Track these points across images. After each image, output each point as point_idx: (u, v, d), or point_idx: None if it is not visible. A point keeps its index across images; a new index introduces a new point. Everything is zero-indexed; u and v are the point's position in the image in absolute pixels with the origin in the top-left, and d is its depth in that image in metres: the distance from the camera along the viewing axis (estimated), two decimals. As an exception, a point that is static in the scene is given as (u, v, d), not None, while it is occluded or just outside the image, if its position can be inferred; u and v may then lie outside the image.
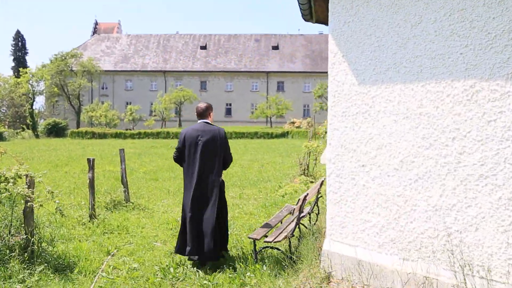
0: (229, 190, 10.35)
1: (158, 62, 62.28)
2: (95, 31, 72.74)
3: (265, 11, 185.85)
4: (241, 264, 5.23)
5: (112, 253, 5.98)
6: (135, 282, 4.95)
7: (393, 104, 4.03)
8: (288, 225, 5.73)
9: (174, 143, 30.09)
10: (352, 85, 4.34)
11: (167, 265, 5.38)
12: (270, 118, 49.26)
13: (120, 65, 62.05)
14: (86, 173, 9.42)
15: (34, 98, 48.12)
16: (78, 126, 48.87)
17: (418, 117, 3.86)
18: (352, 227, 4.37)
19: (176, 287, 4.83)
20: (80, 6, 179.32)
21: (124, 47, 64.69)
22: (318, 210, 6.78)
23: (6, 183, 5.20)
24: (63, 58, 51.19)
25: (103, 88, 61.50)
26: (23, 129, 43.92)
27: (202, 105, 5.47)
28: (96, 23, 74.54)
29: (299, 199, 5.17)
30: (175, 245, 6.18)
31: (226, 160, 5.39)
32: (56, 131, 43.55)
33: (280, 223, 6.06)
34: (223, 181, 5.49)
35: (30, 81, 48.28)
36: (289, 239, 5.25)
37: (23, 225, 5.31)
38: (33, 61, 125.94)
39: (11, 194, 5.24)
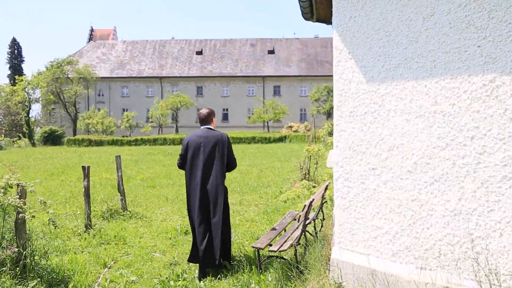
0: (229, 196, 10.00)
1: (154, 68, 62.03)
2: (90, 38, 72.50)
3: (260, 15, 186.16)
4: (244, 274, 4.96)
5: (109, 265, 5.71)
6: (133, 296, 4.68)
7: (405, 102, 3.79)
8: (293, 232, 5.47)
9: (171, 149, 29.86)
10: (359, 83, 4.09)
11: (167, 278, 5.11)
12: (267, 122, 49.01)
13: (116, 72, 61.77)
14: (82, 181, 9.15)
15: (30, 106, 47.69)
16: (74, 134, 48.50)
17: (432, 116, 3.62)
18: (362, 235, 4.11)
19: (177, 301, 4.57)
20: (76, 13, 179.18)
21: (120, 54, 64.44)
22: (323, 215, 6.51)
23: (-5, 194, 4.92)
24: (59, 65, 50.85)
25: (99, 95, 61.17)
26: (20, 138, 43.52)
27: (204, 111, 5.46)
28: (92, 30, 74.33)
29: (304, 205, 4.90)
30: (174, 255, 5.96)
31: (230, 165, 5.37)
32: (52, 139, 43.12)
33: (284, 230, 5.79)
34: (226, 188, 5.39)
35: (26, 89, 47.85)
36: (295, 247, 4.98)
37: (15, 237, 5.03)
38: (29, 68, 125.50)
39: (1, 204, 4.97)
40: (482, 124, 3.32)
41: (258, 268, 4.95)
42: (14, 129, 50.44)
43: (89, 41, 70.64)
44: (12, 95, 48.11)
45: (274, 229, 5.60)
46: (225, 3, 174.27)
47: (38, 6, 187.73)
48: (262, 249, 4.89)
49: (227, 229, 5.36)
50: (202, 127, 5.40)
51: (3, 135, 44.23)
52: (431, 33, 3.60)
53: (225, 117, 59.62)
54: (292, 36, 70.08)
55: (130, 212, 8.44)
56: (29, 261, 4.98)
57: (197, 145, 5.24)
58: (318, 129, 22.64)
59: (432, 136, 3.62)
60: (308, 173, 11.25)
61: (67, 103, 52.14)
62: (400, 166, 3.82)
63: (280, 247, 4.83)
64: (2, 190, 5.08)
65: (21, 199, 4.97)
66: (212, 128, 5.41)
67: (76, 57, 57.88)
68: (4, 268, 4.74)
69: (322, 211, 6.45)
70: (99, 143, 38.25)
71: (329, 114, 50.83)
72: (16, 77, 50.03)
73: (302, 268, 4.81)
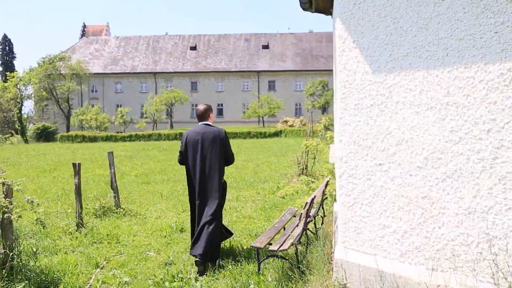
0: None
1: (148, 64, 61.51)
2: (83, 34, 71.83)
3: (254, 10, 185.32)
4: (243, 275, 4.74)
5: (101, 266, 5.47)
6: (126, 299, 4.44)
7: (414, 93, 3.56)
8: (293, 230, 5.25)
9: (166, 144, 29.56)
10: (365, 73, 3.86)
11: (161, 279, 4.87)
12: (262, 117, 48.72)
13: (109, 68, 61.21)
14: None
15: (22, 102, 47.13)
16: (68, 130, 48.02)
17: (444, 108, 3.39)
18: (368, 234, 3.89)
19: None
20: (68, 9, 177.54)
21: (113, 49, 63.83)
22: (324, 212, 6.29)
23: (-21, 193, 4.66)
24: (51, 61, 50.26)
25: (92, 91, 60.63)
26: (12, 134, 43.00)
27: (201, 107, 5.52)
28: (84, 26, 73.67)
29: (306, 203, 4.68)
30: (169, 254, 5.74)
31: (228, 160, 5.45)
32: (45, 135, 42.67)
33: (283, 228, 5.57)
34: (225, 182, 5.54)
35: (18, 85, 47.24)
36: (296, 246, 4.76)
37: (1, 238, 4.78)
38: (21, 65, 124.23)
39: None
40: (500, 116, 3.10)
41: (257, 269, 4.72)
42: (6, 126, 49.84)
43: (82, 37, 69.97)
44: (3, 91, 47.46)
45: (272, 229, 5.38)
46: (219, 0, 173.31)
47: (30, 2, 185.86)
48: (262, 248, 4.67)
49: (218, 223, 5.30)
50: (200, 123, 5.47)
51: (-5, 132, 43.67)
52: (443, 19, 3.37)
53: (220, 112, 59.29)
54: (287, 31, 69.81)
55: (124, 209, 8.18)
56: (16, 262, 4.73)
57: (195, 141, 5.31)
58: (316, 124, 22.40)
59: (445, 130, 3.39)
60: (305, 168, 11.02)
61: (60, 100, 51.60)
62: (409, 162, 3.60)
63: (280, 246, 4.61)
64: (-13, 190, 4.84)
65: (7, 199, 4.72)
66: (210, 124, 5.47)
67: (68, 53, 57.24)
68: (-11, 271, 4.50)
69: (323, 207, 6.23)
70: (93, 139, 37.87)
71: (324, 109, 50.63)
72: (8, 73, 49.37)
73: (304, 268, 4.59)
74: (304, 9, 6.28)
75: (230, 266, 5.04)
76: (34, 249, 5.60)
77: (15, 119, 45.82)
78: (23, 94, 48.36)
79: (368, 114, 3.84)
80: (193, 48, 63.01)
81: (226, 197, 6.13)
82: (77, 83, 52.10)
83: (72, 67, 51.10)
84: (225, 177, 5.75)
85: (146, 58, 62.29)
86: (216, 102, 59.00)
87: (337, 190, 4.26)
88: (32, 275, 4.78)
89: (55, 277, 4.94)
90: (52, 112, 54.77)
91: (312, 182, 9.09)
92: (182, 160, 5.49)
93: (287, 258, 4.84)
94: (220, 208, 5.33)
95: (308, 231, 5.64)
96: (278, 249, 4.55)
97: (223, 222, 5.85)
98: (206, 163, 5.25)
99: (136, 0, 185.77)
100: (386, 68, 3.72)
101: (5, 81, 50.11)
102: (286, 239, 4.87)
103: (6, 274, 4.55)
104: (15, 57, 66.47)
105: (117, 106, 57.74)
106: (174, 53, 62.81)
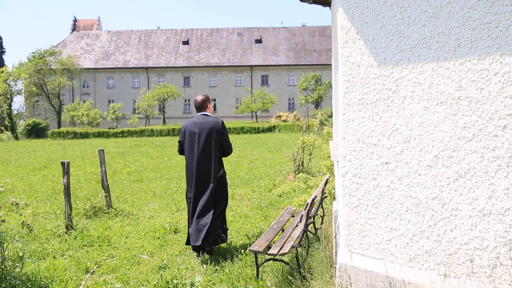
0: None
1: (140, 59, 60.91)
2: (74, 28, 70.94)
3: (247, 4, 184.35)
4: (241, 280, 4.51)
5: (91, 271, 5.22)
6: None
7: (423, 87, 3.33)
8: (293, 231, 5.03)
9: (159, 140, 29.21)
10: (370, 66, 3.62)
11: (155, 285, 4.63)
12: (256, 112, 48.41)
13: (101, 63, 60.55)
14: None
15: (12, 98, 46.50)
16: (59, 126, 47.41)
17: (456, 102, 3.16)
18: (374, 237, 3.66)
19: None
20: (59, 3, 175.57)
21: (105, 44, 63.12)
22: (323, 212, 6.07)
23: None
24: (41, 56, 49.54)
25: (84, 87, 59.99)
26: (2, 131, 42.41)
27: (199, 98, 5.60)
28: (75, 20, 72.74)
29: (307, 203, 4.44)
30: (163, 258, 5.50)
31: (225, 150, 5.56)
32: (36, 132, 42.12)
33: (281, 230, 5.34)
34: (224, 172, 5.62)
35: (8, 81, 46.56)
36: (297, 249, 4.53)
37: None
38: (11, 60, 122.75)
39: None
40: (518, 111, 2.88)
41: (256, 274, 4.50)
42: (-4, 122, 49.19)
43: (73, 31, 69.11)
44: (-7, 87, 46.80)
45: (272, 228, 5.15)
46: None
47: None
48: (261, 252, 4.44)
49: (215, 212, 5.40)
50: (198, 114, 5.57)
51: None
52: (455, 7, 3.13)
53: (213, 107, 58.81)
54: (280, 25, 69.35)
55: (116, 209, 7.91)
56: (0, 269, 4.47)
57: (192, 131, 5.40)
58: (311, 119, 22.18)
59: (456, 126, 3.17)
60: (302, 165, 10.80)
61: (50, 95, 50.94)
62: (418, 160, 3.37)
63: (280, 250, 4.38)
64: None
65: (-10, 202, 4.45)
66: (209, 114, 5.57)
67: (59, 48, 56.52)
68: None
69: (322, 206, 6.00)
70: (85, 136, 37.43)
71: (318, 103, 50.46)
72: (-3, 68, 48.68)
73: (305, 273, 4.37)
74: (302, 0, 6.04)
75: (227, 270, 4.81)
76: (21, 254, 5.33)
77: (5, 115, 45.18)
78: (13, 89, 47.72)
79: (373, 109, 3.61)
80: (186, 42, 62.47)
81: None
82: (68, 79, 51.48)
83: (63, 62, 50.40)
84: (221, 175, 5.56)
85: (138, 52, 61.67)
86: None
87: (340, 190, 4.03)
88: (17, 283, 4.52)
89: (43, 284, 4.70)
90: (43, 108, 54.05)
91: (309, 179, 8.86)
92: (181, 150, 5.62)
93: (287, 262, 4.61)
94: (217, 198, 5.41)
95: (308, 232, 5.42)
96: (278, 252, 4.32)
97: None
98: (203, 153, 5.32)
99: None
100: (393, 60, 3.48)
101: (-6, 76, 49.39)
102: (285, 241, 4.65)
103: (-11, 282, 4.30)
104: (4, 51, 65.44)
105: (109, 101, 57.19)
106: (166, 47, 62.25)
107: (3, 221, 4.60)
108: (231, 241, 5.99)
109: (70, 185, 7.09)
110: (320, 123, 13.29)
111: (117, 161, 17.22)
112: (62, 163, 6.74)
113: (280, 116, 41.94)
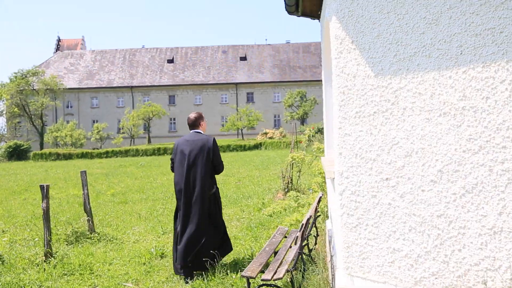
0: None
1: (125, 78, 60.58)
2: (58, 48, 70.43)
3: (231, 23, 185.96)
4: (233, 307, 4.21)
5: (71, 301, 4.85)
6: None
7: (424, 98, 3.13)
8: (286, 253, 4.75)
9: (144, 160, 28.73)
10: (366, 77, 3.42)
11: (140, 316, 4.29)
12: (241, 130, 48.23)
13: (85, 82, 60.03)
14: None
15: (-7, 120, 45.69)
16: (42, 148, 46.61)
17: (460, 113, 2.97)
18: (376, 259, 3.42)
19: None
20: (42, 23, 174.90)
21: (89, 63, 62.71)
22: (317, 231, 5.81)
23: None
24: (24, 76, 48.94)
25: (67, 107, 59.30)
26: (-18, 154, 41.43)
27: (192, 115, 5.65)
28: (59, 40, 72.28)
29: (302, 224, 4.19)
30: (149, 286, 5.17)
31: (217, 168, 5.52)
32: (17, 154, 41.13)
33: (274, 253, 5.05)
34: (217, 189, 5.65)
35: (-12, 102, 45.80)
36: (292, 272, 4.25)
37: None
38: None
39: None
40: (528, 120, 2.69)
41: (249, 300, 4.20)
42: (-24, 144, 48.08)
43: (56, 51, 68.60)
44: (-27, 108, 45.93)
45: (264, 250, 4.87)
46: (195, 11, 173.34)
47: (2, 15, 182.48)
48: (254, 278, 4.15)
49: (221, 228, 5.58)
50: (190, 131, 5.58)
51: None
52: (456, 12, 2.96)
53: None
54: (264, 42, 69.82)
55: (99, 234, 7.53)
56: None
57: (184, 149, 5.39)
58: (299, 135, 22.02)
59: (461, 138, 2.97)
60: (291, 182, 10.54)
61: (33, 116, 50.17)
62: (421, 175, 3.15)
63: (274, 275, 4.10)
64: None
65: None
66: (201, 132, 5.59)
67: (42, 68, 55.95)
68: None
69: (315, 226, 5.74)
70: (68, 157, 36.70)
71: (303, 120, 50.53)
72: (-23, 89, 47.87)
73: (302, 298, 4.09)
74: (290, 12, 5.88)
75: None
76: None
77: (-14, 138, 44.25)
78: (-6, 111, 46.89)
79: (371, 122, 3.40)
80: (171, 61, 62.41)
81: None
82: (51, 99, 50.82)
83: (46, 82, 49.82)
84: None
85: (123, 71, 61.36)
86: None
87: (336, 209, 3.79)
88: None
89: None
90: (25, 129, 53.14)
91: (300, 197, 8.61)
92: (173, 167, 5.56)
93: (280, 287, 4.32)
94: (212, 217, 5.43)
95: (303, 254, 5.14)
96: (272, 277, 4.04)
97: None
98: (193, 171, 5.28)
99: (112, 13, 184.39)
100: (391, 70, 3.29)
101: (-25, 98, 48.50)
102: (279, 265, 4.37)
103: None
104: (-14, 74, 64.54)
105: (93, 121, 56.55)
106: (151, 66, 62.08)
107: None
108: (221, 264, 5.68)
109: (51, 209, 6.74)
110: (309, 139, 13.11)
111: (101, 183, 16.76)
112: (41, 187, 6.38)
113: (266, 133, 41.79)
